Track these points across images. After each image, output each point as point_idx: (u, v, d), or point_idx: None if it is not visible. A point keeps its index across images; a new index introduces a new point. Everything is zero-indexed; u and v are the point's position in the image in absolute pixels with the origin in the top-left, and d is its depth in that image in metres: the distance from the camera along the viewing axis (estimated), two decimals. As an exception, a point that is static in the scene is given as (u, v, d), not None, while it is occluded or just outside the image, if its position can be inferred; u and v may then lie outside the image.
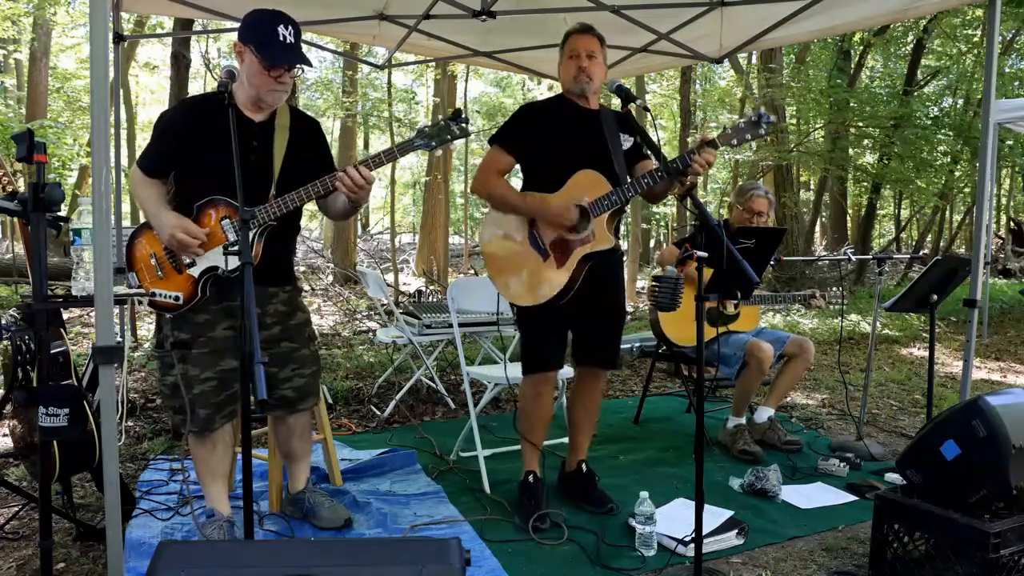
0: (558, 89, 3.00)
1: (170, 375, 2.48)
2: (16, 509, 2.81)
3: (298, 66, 2.42)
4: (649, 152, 2.70)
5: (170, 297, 2.43)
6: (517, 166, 2.95)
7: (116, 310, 2.49)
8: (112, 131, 4.03)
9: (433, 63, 9.73)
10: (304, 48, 2.53)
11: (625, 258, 2.98)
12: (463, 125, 2.38)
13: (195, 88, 12.42)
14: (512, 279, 2.81)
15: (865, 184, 13.46)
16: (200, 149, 2.40)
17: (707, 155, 2.50)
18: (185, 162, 2.45)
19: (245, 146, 2.39)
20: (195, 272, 2.42)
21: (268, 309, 2.55)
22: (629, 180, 2.69)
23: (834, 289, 3.92)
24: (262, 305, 2.52)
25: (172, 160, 2.46)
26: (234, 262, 2.33)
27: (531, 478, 2.95)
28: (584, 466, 3.09)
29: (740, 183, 3.63)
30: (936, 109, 12.87)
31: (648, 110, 3.22)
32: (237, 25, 2.44)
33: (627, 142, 2.87)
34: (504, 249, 2.84)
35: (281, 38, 2.34)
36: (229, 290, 2.46)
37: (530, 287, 2.78)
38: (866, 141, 12.42)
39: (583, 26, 2.89)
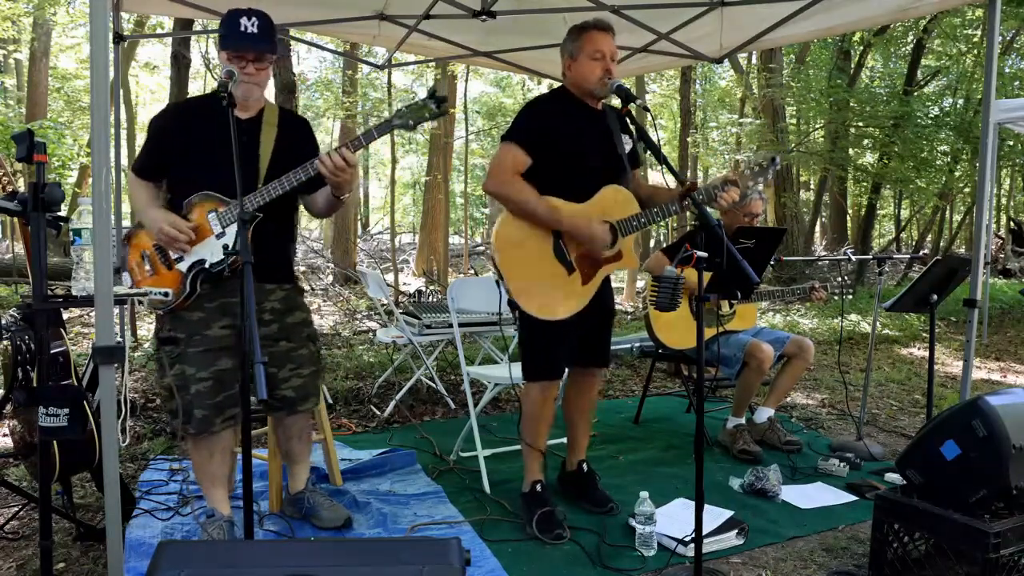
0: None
1: (166, 377, 2.46)
2: (16, 509, 2.81)
3: (269, 60, 2.44)
4: (658, 162, 2.68)
5: (160, 294, 2.43)
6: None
7: (116, 310, 2.49)
8: (112, 131, 4.03)
9: (433, 63, 9.72)
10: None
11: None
12: (441, 104, 2.32)
13: (195, 88, 12.42)
14: (534, 291, 2.65)
15: (865, 184, 13.45)
16: (187, 150, 2.43)
17: (732, 193, 2.57)
18: (174, 163, 2.47)
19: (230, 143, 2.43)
20: (183, 267, 2.41)
21: (265, 306, 2.54)
22: (657, 206, 2.69)
23: (837, 279, 3.92)
24: (259, 302, 2.49)
25: (161, 162, 2.49)
26: (218, 255, 2.37)
27: (539, 487, 2.85)
28: (584, 466, 3.09)
29: None
30: (936, 109, 12.87)
31: (648, 110, 3.21)
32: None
33: (627, 145, 2.84)
34: (525, 256, 2.66)
35: (242, 28, 2.36)
36: (224, 287, 2.44)
37: (553, 301, 2.65)
38: (866, 141, 12.41)
39: (605, 24, 2.73)
